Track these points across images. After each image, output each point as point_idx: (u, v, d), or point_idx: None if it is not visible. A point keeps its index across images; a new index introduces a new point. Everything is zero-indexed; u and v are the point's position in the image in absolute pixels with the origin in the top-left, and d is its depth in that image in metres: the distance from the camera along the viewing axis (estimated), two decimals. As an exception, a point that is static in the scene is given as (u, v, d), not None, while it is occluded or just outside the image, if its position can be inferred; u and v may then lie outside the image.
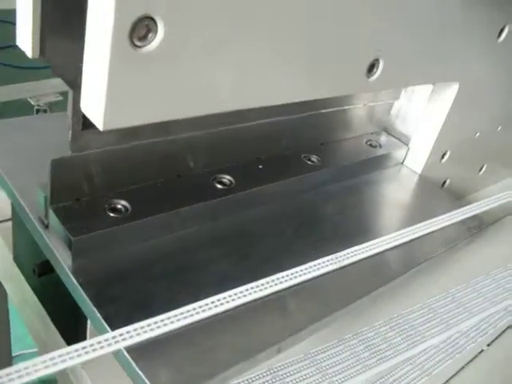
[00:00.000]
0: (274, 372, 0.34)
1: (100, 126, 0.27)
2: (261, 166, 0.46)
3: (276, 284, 0.37)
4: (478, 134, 0.59)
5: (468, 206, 0.51)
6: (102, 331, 0.31)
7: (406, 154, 0.57)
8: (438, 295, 0.46)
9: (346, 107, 0.52)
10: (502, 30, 0.50)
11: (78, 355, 0.28)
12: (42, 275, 0.38)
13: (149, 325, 0.31)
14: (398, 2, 0.38)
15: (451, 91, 0.51)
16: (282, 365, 0.35)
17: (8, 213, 0.45)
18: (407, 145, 0.57)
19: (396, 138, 0.58)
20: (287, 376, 0.35)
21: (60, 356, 0.28)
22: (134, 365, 0.30)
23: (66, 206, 0.35)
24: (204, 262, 0.38)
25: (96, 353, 0.29)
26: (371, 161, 0.54)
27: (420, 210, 0.52)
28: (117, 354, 0.30)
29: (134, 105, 0.27)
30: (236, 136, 0.43)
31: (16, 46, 0.32)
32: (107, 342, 0.30)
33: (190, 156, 0.41)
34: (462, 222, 0.49)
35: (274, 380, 0.34)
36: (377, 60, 0.39)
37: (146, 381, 0.29)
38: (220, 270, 0.38)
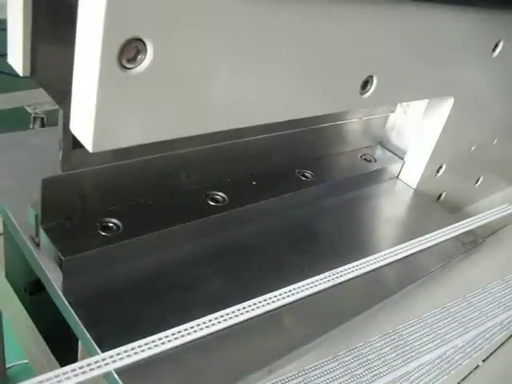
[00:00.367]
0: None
1: (89, 147, 0.27)
2: (254, 183, 0.45)
3: (269, 303, 0.36)
4: (473, 148, 0.58)
5: (463, 221, 0.51)
6: (92, 351, 0.31)
7: (401, 168, 0.57)
8: (434, 310, 0.45)
9: (340, 122, 0.51)
10: (496, 45, 0.50)
11: (67, 378, 0.28)
12: (33, 293, 0.37)
13: (139, 346, 0.31)
14: (391, 20, 0.37)
15: (446, 105, 0.51)
16: (275, 382, 0.35)
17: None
18: (402, 159, 0.57)
19: (391, 151, 0.58)
20: (280, 394, 0.34)
21: (48, 380, 0.27)
22: None
23: (57, 224, 0.35)
24: (196, 280, 0.38)
25: (85, 375, 0.29)
26: (366, 176, 0.54)
27: (415, 225, 0.52)
28: (107, 376, 0.30)
29: (124, 126, 0.27)
30: (229, 152, 0.43)
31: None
32: (97, 365, 0.29)
33: (183, 173, 0.41)
34: (457, 237, 0.49)
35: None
36: (370, 77, 0.39)
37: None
38: (212, 289, 0.37)
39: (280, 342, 0.36)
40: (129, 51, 0.25)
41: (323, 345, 0.38)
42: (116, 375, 0.30)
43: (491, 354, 0.44)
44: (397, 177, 0.57)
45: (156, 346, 0.31)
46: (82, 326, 0.32)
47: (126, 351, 0.30)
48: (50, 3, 0.29)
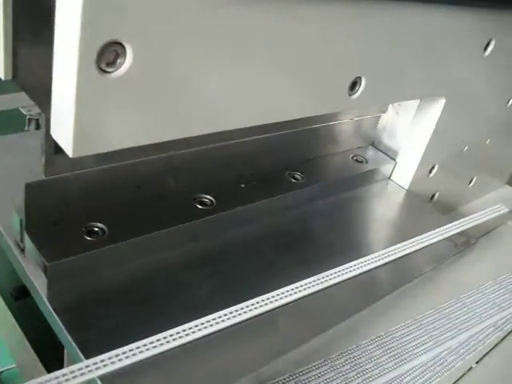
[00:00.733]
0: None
1: (70, 153, 0.26)
2: (243, 185, 0.45)
3: (256, 308, 0.36)
4: (466, 148, 0.58)
5: (456, 222, 0.51)
6: (77, 358, 0.31)
7: (393, 169, 0.56)
8: (427, 311, 0.45)
9: (331, 123, 0.51)
10: (488, 44, 0.49)
11: (50, 386, 0.28)
12: (18, 299, 0.37)
13: (124, 352, 0.30)
14: (379, 19, 0.37)
15: (438, 105, 0.51)
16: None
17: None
18: (394, 159, 0.56)
19: (383, 152, 0.57)
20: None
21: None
22: None
23: (42, 229, 0.35)
24: (184, 285, 0.37)
25: (69, 383, 0.28)
26: (357, 177, 0.53)
27: (407, 226, 0.52)
28: (91, 383, 0.30)
29: (105, 131, 0.27)
30: (217, 155, 0.43)
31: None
32: (80, 372, 0.29)
33: (170, 176, 0.40)
34: (450, 238, 0.49)
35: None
36: (359, 78, 0.39)
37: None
38: (200, 294, 0.37)
39: (269, 346, 0.35)
40: (108, 55, 0.25)
41: (314, 348, 0.37)
42: (100, 382, 0.29)
43: (485, 355, 0.43)
44: (389, 177, 0.57)
45: (141, 352, 0.31)
46: (66, 333, 0.31)
47: (110, 358, 0.30)
48: (31, 5, 0.28)
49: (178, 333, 0.32)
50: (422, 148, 0.53)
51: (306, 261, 0.43)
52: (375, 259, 0.44)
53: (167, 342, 0.32)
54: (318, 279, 0.40)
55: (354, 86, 0.39)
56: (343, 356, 0.39)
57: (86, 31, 0.23)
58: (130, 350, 0.31)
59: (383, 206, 0.53)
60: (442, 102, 0.50)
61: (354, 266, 0.42)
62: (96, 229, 0.36)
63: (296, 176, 0.49)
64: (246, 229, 0.44)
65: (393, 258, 0.44)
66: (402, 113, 0.55)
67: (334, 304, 0.40)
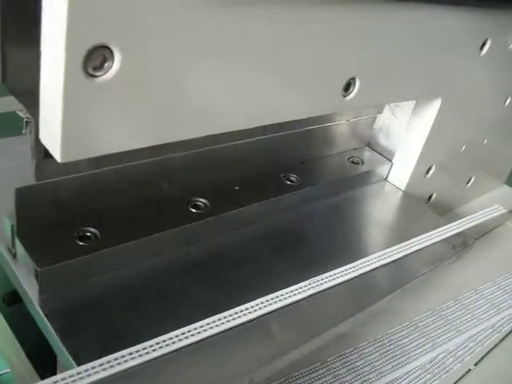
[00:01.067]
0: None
1: (58, 157, 0.26)
2: (237, 188, 0.45)
3: (250, 312, 0.36)
4: (463, 148, 0.58)
5: (453, 223, 0.50)
6: (68, 365, 0.31)
7: (390, 170, 0.56)
8: (424, 313, 0.45)
9: (326, 124, 0.51)
10: (484, 44, 0.49)
11: (41, 393, 0.28)
12: (10, 305, 0.37)
13: (116, 359, 0.30)
14: (373, 20, 0.37)
15: (434, 106, 0.50)
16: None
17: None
18: (390, 160, 0.56)
19: (379, 153, 0.57)
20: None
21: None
22: None
23: (34, 234, 0.34)
24: (178, 290, 0.37)
25: (60, 390, 0.28)
26: (353, 178, 0.53)
27: (405, 228, 0.51)
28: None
29: (94, 135, 0.26)
30: (211, 158, 0.42)
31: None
32: (71, 379, 0.29)
33: (163, 180, 0.40)
34: (448, 239, 0.48)
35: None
36: (353, 79, 0.38)
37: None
38: (194, 298, 0.37)
39: (263, 350, 0.35)
40: (95, 59, 0.24)
41: (311, 351, 0.37)
42: (92, 389, 0.29)
43: (483, 357, 0.43)
44: (385, 179, 0.57)
45: (133, 358, 0.30)
46: (57, 339, 0.31)
47: (101, 365, 0.30)
48: (19, 9, 0.28)
49: (170, 338, 0.32)
50: (419, 148, 0.53)
51: (302, 263, 0.42)
52: (372, 261, 0.43)
53: (160, 347, 0.31)
54: (315, 282, 0.40)
55: (348, 87, 0.39)
56: (340, 359, 0.39)
57: (73, 35, 0.23)
58: (122, 357, 0.30)
59: (380, 208, 0.53)
60: (438, 102, 0.50)
61: (351, 268, 0.42)
62: (88, 233, 0.36)
63: (291, 178, 0.48)
64: (240, 232, 0.43)
65: (390, 260, 0.44)
66: (398, 113, 0.55)
67: (331, 306, 0.40)
